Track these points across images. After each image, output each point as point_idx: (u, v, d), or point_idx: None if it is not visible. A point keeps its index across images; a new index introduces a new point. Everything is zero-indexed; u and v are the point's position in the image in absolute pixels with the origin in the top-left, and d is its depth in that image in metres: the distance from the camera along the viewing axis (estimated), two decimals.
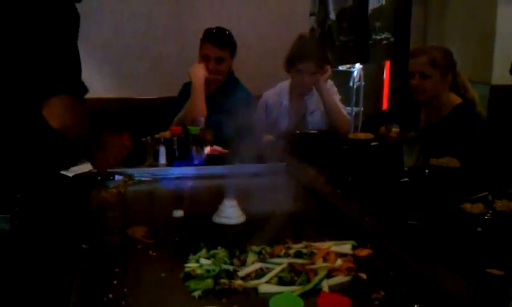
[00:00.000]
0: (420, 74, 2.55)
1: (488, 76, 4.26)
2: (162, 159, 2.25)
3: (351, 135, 2.45)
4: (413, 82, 2.58)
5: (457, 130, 2.46)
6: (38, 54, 1.51)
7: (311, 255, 1.30)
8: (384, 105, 5.81)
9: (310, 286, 1.16)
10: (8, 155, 1.57)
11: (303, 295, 1.12)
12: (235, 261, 1.28)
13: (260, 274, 1.22)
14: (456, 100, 2.59)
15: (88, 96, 2.34)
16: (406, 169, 2.05)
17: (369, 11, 5.71)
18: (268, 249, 1.33)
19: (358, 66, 5.43)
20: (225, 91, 2.96)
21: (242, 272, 1.22)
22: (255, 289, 1.17)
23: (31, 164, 1.62)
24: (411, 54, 2.67)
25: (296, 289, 1.16)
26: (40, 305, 1.44)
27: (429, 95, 2.58)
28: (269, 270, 1.24)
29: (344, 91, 4.14)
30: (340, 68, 5.28)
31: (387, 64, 5.79)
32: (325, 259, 1.28)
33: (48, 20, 1.53)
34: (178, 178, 2.14)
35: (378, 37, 5.82)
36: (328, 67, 3.00)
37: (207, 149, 2.37)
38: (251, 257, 1.29)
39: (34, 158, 1.62)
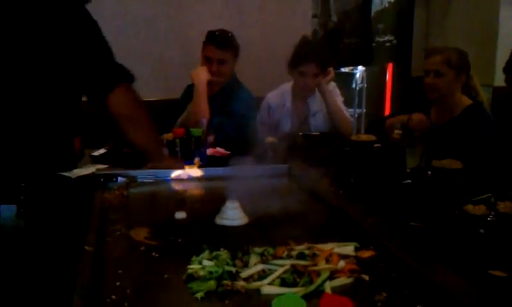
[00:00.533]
0: (435, 72, 2.57)
1: (491, 78, 4.26)
2: None
3: (354, 137, 2.45)
4: (427, 80, 2.61)
5: (470, 129, 2.46)
6: (95, 51, 1.58)
7: (313, 257, 1.30)
8: (387, 107, 5.82)
9: (312, 287, 1.16)
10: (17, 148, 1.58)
11: (306, 297, 1.12)
12: (238, 262, 1.28)
13: (262, 275, 1.22)
14: (467, 101, 2.61)
15: None
16: (408, 170, 2.06)
17: (372, 14, 5.72)
18: (270, 251, 1.32)
19: (360, 68, 5.45)
20: (228, 93, 2.96)
21: (244, 274, 1.22)
22: (258, 290, 1.17)
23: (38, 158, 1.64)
24: (428, 53, 2.70)
25: (299, 290, 1.16)
26: (43, 306, 1.44)
27: (441, 93, 2.60)
28: (271, 271, 1.24)
29: (347, 93, 4.14)
30: (343, 69, 5.29)
31: (390, 66, 5.80)
32: (328, 261, 1.28)
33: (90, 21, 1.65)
34: (180, 180, 2.13)
35: (381, 39, 5.83)
36: (331, 69, 3.00)
37: (209, 151, 2.37)
38: (253, 258, 1.29)
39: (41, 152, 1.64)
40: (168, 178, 2.12)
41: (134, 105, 1.67)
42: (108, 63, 1.60)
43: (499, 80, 4.16)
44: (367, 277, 1.24)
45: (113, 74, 1.60)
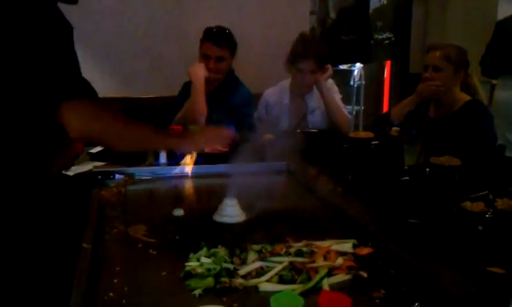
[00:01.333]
0: (434, 67, 2.58)
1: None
2: (163, 158, 2.24)
3: (352, 134, 2.46)
4: (425, 74, 2.61)
5: (470, 124, 2.46)
6: (42, 61, 1.46)
7: (311, 254, 1.30)
8: (385, 104, 5.82)
9: (310, 284, 1.16)
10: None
11: (304, 294, 1.12)
12: (236, 259, 1.28)
13: (260, 272, 1.22)
14: (466, 97, 2.61)
15: None
16: (406, 167, 2.06)
17: (370, 11, 5.71)
18: (269, 248, 1.32)
19: (358, 65, 5.44)
20: (225, 89, 2.96)
21: (242, 271, 1.22)
22: (256, 287, 1.17)
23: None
24: (428, 49, 2.71)
25: (297, 287, 1.16)
26: (41, 304, 1.44)
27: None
28: (269, 268, 1.24)
29: (345, 90, 4.14)
30: (341, 66, 5.29)
31: (388, 63, 5.79)
32: (326, 258, 1.28)
33: (47, 30, 1.45)
34: (178, 177, 2.13)
35: (379, 36, 5.83)
36: (329, 66, 2.99)
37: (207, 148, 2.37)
38: (251, 256, 1.29)
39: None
40: (166, 175, 2.12)
41: (90, 124, 1.48)
42: (64, 74, 1.47)
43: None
44: (365, 274, 1.24)
45: (68, 86, 1.42)
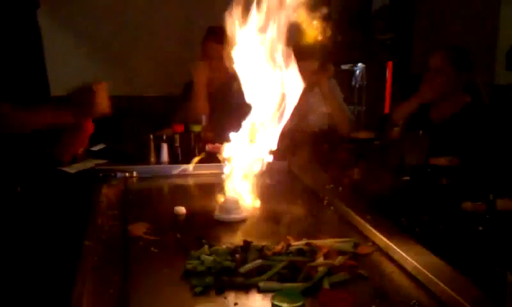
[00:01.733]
0: (436, 68, 2.57)
1: (491, 77, 4.25)
2: (164, 157, 2.25)
3: (353, 134, 2.46)
4: (427, 75, 2.61)
5: (470, 126, 2.46)
6: None
7: (312, 252, 1.30)
8: (387, 105, 5.81)
9: (311, 283, 1.17)
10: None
11: (304, 292, 1.12)
12: (237, 258, 1.28)
13: (261, 270, 1.22)
14: (468, 98, 2.61)
15: None
16: (407, 167, 2.06)
17: (372, 11, 5.69)
18: (269, 246, 1.33)
19: (360, 65, 5.43)
20: (227, 89, 2.96)
21: (243, 269, 1.23)
22: (256, 286, 1.17)
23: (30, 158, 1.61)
24: (431, 50, 2.70)
25: (297, 286, 1.16)
26: (42, 301, 1.44)
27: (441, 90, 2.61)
28: (270, 267, 1.24)
29: (347, 90, 4.13)
30: (343, 67, 5.28)
31: (389, 63, 5.78)
32: (326, 257, 1.28)
33: None
34: (180, 175, 2.13)
35: (381, 37, 5.81)
36: (331, 66, 2.99)
37: (209, 147, 2.37)
38: (252, 254, 1.29)
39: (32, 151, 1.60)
40: (167, 173, 2.12)
41: None
42: None
43: (499, 79, 4.16)
44: (365, 273, 1.24)
45: None
